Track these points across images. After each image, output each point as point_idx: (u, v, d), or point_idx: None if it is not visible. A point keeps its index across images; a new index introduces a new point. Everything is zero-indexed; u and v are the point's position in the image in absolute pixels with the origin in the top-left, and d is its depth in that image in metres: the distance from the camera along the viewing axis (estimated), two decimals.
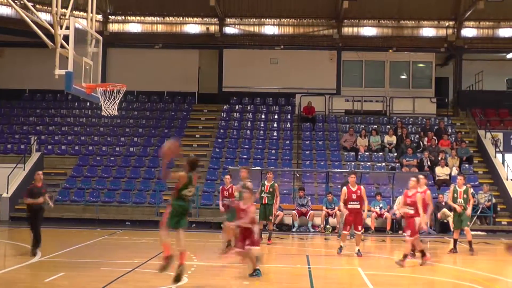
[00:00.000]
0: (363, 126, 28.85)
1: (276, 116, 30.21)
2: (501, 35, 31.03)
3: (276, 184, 17.77)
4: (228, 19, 31.51)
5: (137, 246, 16.08)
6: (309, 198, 22.79)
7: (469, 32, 31.14)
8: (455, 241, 16.07)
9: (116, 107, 14.03)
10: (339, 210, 16.59)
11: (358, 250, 15.05)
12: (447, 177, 24.45)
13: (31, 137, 27.55)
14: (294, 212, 22.08)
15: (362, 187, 15.30)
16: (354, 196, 14.99)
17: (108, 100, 13.82)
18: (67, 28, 13.25)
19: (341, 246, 15.32)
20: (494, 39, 31.06)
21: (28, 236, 14.17)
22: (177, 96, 31.41)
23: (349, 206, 15.03)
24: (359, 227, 15.08)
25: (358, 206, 14.99)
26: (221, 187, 17.09)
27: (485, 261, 14.88)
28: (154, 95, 31.27)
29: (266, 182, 17.72)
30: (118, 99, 13.88)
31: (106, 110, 13.95)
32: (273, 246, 17.31)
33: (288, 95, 30.97)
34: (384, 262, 15.15)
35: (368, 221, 21.37)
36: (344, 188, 15.35)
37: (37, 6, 24.20)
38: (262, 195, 17.47)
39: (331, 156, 26.93)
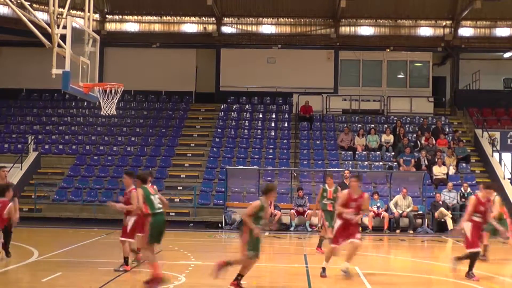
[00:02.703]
0: (360, 125, 28.86)
1: (273, 116, 30.22)
2: (498, 35, 31.07)
3: (339, 188, 15.48)
4: (225, 18, 31.50)
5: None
6: (307, 197, 22.79)
7: (466, 31, 31.18)
8: None
9: (114, 106, 14.02)
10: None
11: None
12: (444, 176, 24.52)
13: (28, 136, 27.49)
14: (292, 211, 22.08)
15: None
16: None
17: (105, 99, 13.81)
18: (64, 27, 13.25)
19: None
20: (491, 39, 31.11)
21: (26, 235, 14.11)
22: (174, 95, 31.39)
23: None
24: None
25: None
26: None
27: (482, 260, 14.85)
28: (151, 94, 31.23)
29: (327, 187, 15.66)
30: (116, 98, 13.86)
31: (105, 109, 13.94)
32: (271, 245, 17.28)
33: (286, 95, 30.96)
34: (382, 262, 15.16)
35: (366, 220, 21.41)
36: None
37: (34, 5, 24.17)
38: (324, 201, 15.42)
39: (329, 156, 26.93)
